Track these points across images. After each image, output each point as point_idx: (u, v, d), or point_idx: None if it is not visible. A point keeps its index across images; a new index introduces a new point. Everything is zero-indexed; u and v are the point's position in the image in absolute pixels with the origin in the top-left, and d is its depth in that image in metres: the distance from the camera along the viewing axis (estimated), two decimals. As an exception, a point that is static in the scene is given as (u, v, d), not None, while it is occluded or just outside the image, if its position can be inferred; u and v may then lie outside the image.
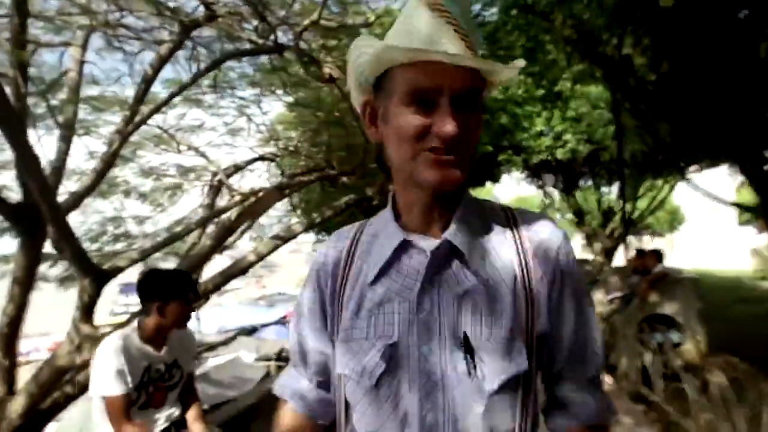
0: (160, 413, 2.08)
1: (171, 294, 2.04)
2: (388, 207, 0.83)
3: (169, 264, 5.64)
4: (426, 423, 0.73)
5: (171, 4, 4.15)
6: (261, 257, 3.68)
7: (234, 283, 4.53)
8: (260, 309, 15.66)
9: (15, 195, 3.68)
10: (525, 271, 0.77)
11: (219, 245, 4.05)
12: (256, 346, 10.22)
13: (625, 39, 4.73)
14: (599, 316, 5.88)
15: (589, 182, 12.51)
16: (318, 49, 4.50)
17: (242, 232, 6.18)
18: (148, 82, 4.10)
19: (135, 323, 2.08)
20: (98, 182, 3.87)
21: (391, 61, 0.72)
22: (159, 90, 5.55)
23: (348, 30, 4.53)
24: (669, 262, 6.77)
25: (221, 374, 5.15)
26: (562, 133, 8.94)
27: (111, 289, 5.47)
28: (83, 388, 3.87)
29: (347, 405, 0.83)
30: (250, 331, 12.84)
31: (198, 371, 4.21)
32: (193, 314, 2.16)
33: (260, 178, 7.32)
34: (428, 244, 0.77)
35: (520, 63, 0.73)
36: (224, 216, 4.39)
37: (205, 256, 3.84)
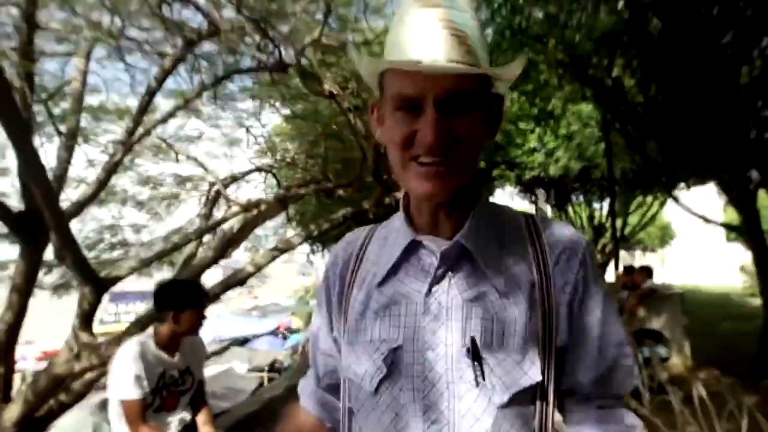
0: (172, 417, 2.17)
1: (185, 303, 2.14)
2: (400, 208, 0.80)
3: (167, 273, 5.67)
4: None
5: (175, 18, 4.26)
6: (259, 268, 3.74)
7: (226, 293, 4.58)
8: (252, 319, 15.59)
9: (11, 202, 3.72)
10: (543, 278, 0.72)
11: (221, 256, 4.11)
12: (248, 356, 10.19)
13: (615, 61, 4.90)
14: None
15: (581, 198, 12.73)
16: (318, 64, 4.62)
17: (238, 242, 6.22)
18: (151, 93, 4.19)
19: (150, 330, 2.17)
20: (100, 190, 3.93)
21: (375, 70, 0.72)
22: (159, 99, 5.63)
23: (347, 47, 4.65)
24: (660, 277, 6.89)
25: (214, 385, 5.14)
26: (554, 150, 9.13)
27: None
28: (78, 396, 3.88)
29: (350, 412, 0.79)
30: (243, 341, 12.78)
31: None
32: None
33: (256, 189, 7.41)
34: (439, 245, 0.73)
35: (520, 64, 0.70)
36: (225, 226, 4.45)
37: (207, 266, 3.90)
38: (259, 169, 6.68)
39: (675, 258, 22.60)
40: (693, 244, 20.38)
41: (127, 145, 3.86)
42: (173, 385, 2.15)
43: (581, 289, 0.73)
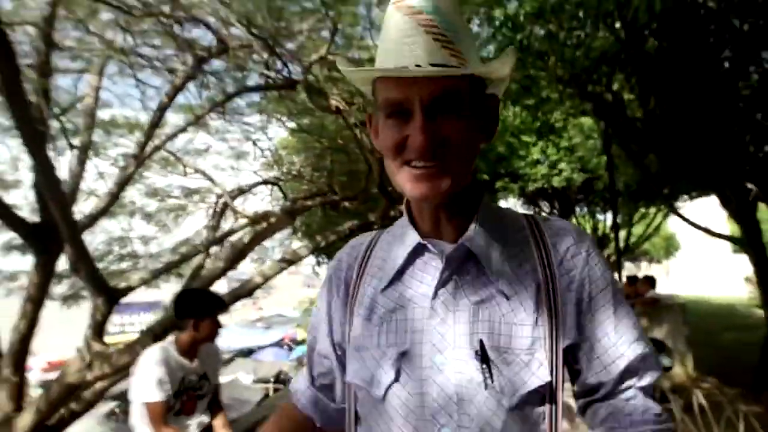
0: (191, 420, 2.26)
1: (204, 311, 2.25)
2: (404, 213, 0.80)
3: (173, 285, 5.74)
4: None
5: (186, 36, 4.40)
6: (267, 279, 3.81)
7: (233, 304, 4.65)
8: (257, 331, 15.61)
9: (23, 214, 3.83)
10: (549, 279, 0.72)
11: (231, 267, 4.19)
12: (253, 367, 10.22)
13: (615, 77, 4.99)
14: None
15: (585, 209, 12.76)
16: (324, 80, 4.73)
17: (247, 254, 6.30)
18: (162, 109, 4.31)
19: (172, 337, 2.27)
20: (112, 203, 4.04)
21: (366, 80, 0.74)
22: (168, 114, 5.76)
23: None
24: (665, 288, 6.92)
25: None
26: (557, 162, 9.22)
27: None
28: (88, 405, 3.95)
29: (357, 417, 0.79)
30: (247, 352, 12.80)
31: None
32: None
33: (263, 201, 7.51)
34: (443, 249, 0.73)
35: (508, 60, 0.70)
36: (234, 238, 4.54)
37: (216, 277, 3.98)
38: (265, 182, 6.78)
39: (680, 269, 22.50)
40: (698, 255, 20.26)
41: (139, 159, 3.97)
42: (192, 390, 2.24)
43: (588, 286, 0.73)
